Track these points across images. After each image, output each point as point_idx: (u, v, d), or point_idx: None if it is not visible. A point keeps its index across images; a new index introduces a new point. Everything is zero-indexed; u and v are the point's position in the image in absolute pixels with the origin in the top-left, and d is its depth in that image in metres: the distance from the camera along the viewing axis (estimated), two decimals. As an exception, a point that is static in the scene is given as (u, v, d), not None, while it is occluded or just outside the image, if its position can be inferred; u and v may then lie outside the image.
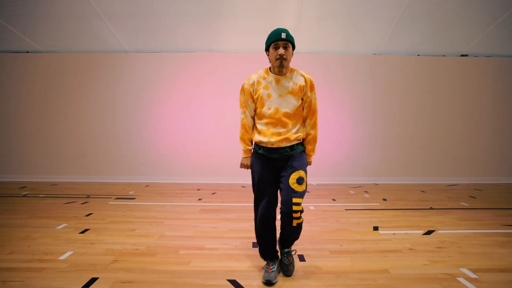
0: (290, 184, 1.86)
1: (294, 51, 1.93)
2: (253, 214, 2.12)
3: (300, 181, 1.87)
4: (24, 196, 4.17)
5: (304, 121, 2.01)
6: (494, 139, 5.39)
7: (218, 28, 4.74)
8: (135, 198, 4.08)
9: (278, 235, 2.12)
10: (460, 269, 2.09)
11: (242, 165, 2.07)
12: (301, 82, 1.92)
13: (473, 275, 2.00)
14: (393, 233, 2.80)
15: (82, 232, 2.76)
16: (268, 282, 1.87)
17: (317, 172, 5.32)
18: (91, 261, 2.16)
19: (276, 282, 1.90)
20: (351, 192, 4.58)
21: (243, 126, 2.02)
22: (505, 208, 3.69)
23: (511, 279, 1.95)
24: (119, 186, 4.91)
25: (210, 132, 5.30)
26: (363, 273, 2.03)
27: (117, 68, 5.31)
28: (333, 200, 4.08)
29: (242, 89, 1.99)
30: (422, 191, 4.62)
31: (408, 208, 3.69)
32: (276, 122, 1.90)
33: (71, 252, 2.31)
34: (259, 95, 1.92)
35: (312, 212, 3.50)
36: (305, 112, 1.98)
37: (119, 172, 5.34)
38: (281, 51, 1.81)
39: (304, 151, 2.01)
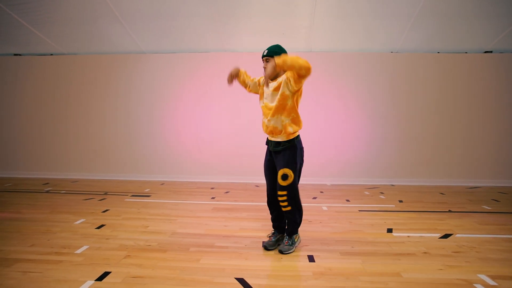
0: (277, 179, 2.27)
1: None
2: (264, 213, 2.81)
3: (284, 177, 2.23)
4: (47, 192, 4.37)
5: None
6: (520, 140, 5.12)
7: (232, 28, 4.76)
8: (150, 196, 4.18)
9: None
10: (478, 275, 2.00)
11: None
12: (282, 79, 2.22)
13: (492, 282, 1.91)
14: (408, 236, 2.72)
15: (98, 227, 2.86)
16: (265, 248, 2.37)
17: (331, 172, 5.26)
18: (105, 256, 2.23)
19: (272, 249, 2.36)
20: (366, 193, 4.48)
21: (247, 75, 2.64)
22: (531, 212, 3.50)
23: (533, 287, 1.85)
24: (136, 183, 5.04)
25: (223, 131, 5.34)
26: (373, 276, 1.98)
27: (134, 69, 5.45)
28: (347, 201, 4.01)
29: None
30: (441, 193, 4.45)
31: (425, 210, 3.57)
32: (265, 113, 2.32)
33: (87, 247, 2.40)
34: (261, 90, 2.44)
35: (325, 212, 3.46)
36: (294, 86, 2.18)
37: (136, 170, 5.48)
38: (264, 64, 2.34)
39: (289, 147, 2.26)
